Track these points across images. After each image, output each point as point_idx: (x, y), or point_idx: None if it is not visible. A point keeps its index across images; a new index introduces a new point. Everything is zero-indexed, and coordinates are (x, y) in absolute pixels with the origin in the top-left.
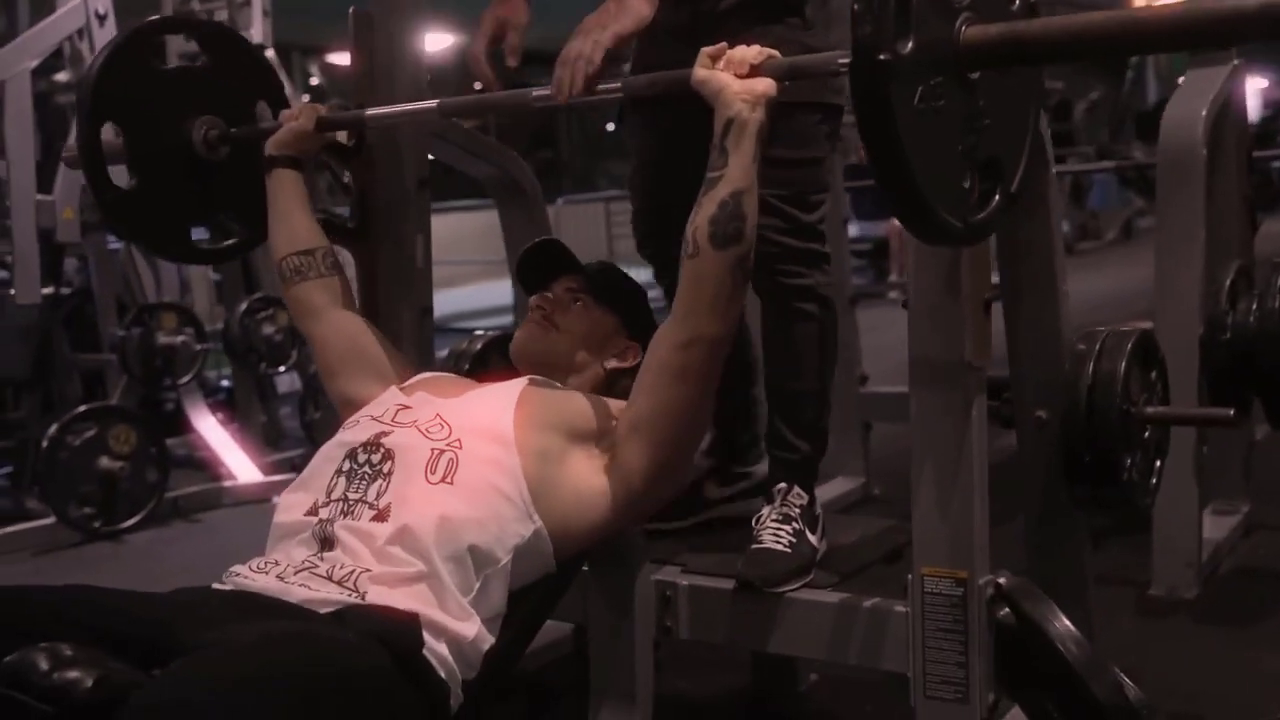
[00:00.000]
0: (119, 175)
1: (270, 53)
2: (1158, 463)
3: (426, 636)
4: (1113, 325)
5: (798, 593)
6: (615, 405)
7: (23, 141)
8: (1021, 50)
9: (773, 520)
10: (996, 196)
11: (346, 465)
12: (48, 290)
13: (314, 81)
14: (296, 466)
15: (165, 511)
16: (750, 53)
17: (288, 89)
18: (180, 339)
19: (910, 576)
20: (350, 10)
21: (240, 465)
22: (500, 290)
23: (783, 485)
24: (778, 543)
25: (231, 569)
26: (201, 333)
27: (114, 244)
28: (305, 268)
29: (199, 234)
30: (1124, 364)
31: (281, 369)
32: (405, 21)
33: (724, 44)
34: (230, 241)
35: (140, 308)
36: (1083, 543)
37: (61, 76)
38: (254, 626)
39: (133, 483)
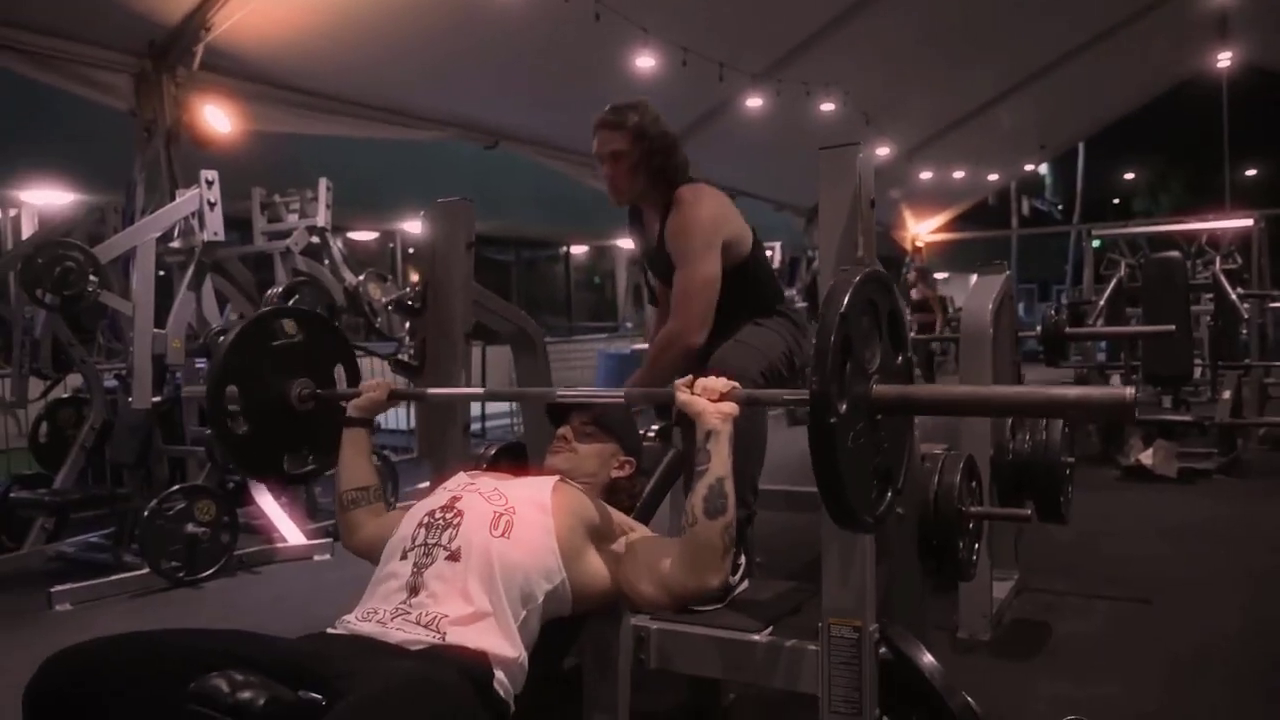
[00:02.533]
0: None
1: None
2: (977, 544)
3: (494, 669)
4: (945, 448)
5: (738, 635)
6: (619, 518)
7: (146, 290)
8: (911, 405)
9: None
10: (889, 494)
11: (426, 520)
12: (155, 398)
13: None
14: (330, 533)
15: (233, 565)
16: (719, 383)
17: (336, 251)
18: None
19: (820, 624)
20: (422, 214)
21: (289, 530)
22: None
23: None
24: None
25: (342, 618)
26: None
27: (200, 364)
28: (360, 499)
29: None
30: (959, 477)
31: None
32: (457, 220)
33: (691, 377)
34: (309, 468)
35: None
36: (926, 600)
37: (175, 244)
38: (372, 664)
39: (210, 543)
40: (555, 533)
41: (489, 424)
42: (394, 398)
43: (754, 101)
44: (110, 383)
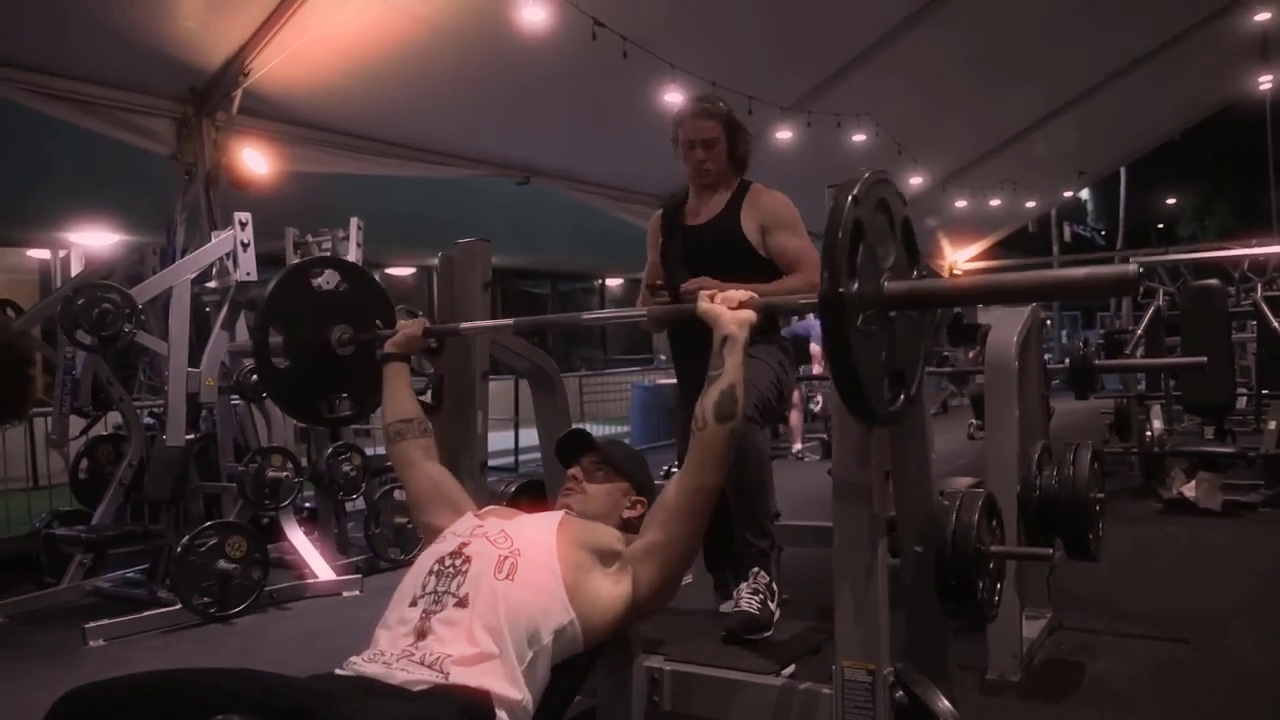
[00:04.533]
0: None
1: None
2: (999, 585)
3: (496, 710)
4: (954, 485)
5: (751, 677)
6: (626, 537)
7: (180, 329)
8: (922, 299)
9: (747, 592)
10: (901, 397)
11: (436, 568)
12: (190, 436)
13: None
14: (360, 569)
15: (264, 601)
16: (738, 294)
17: None
18: (284, 474)
19: (834, 667)
20: (440, 254)
21: (319, 567)
22: (503, 438)
23: (755, 569)
24: (750, 606)
25: (350, 659)
26: (299, 469)
27: (235, 402)
28: (405, 431)
29: None
30: (977, 516)
31: (355, 496)
32: (475, 260)
33: (715, 289)
34: (346, 413)
35: (257, 450)
36: (948, 640)
37: (211, 284)
38: (372, 704)
39: (242, 580)
40: (560, 574)
41: (523, 457)
42: (428, 334)
43: (784, 134)
44: (148, 420)
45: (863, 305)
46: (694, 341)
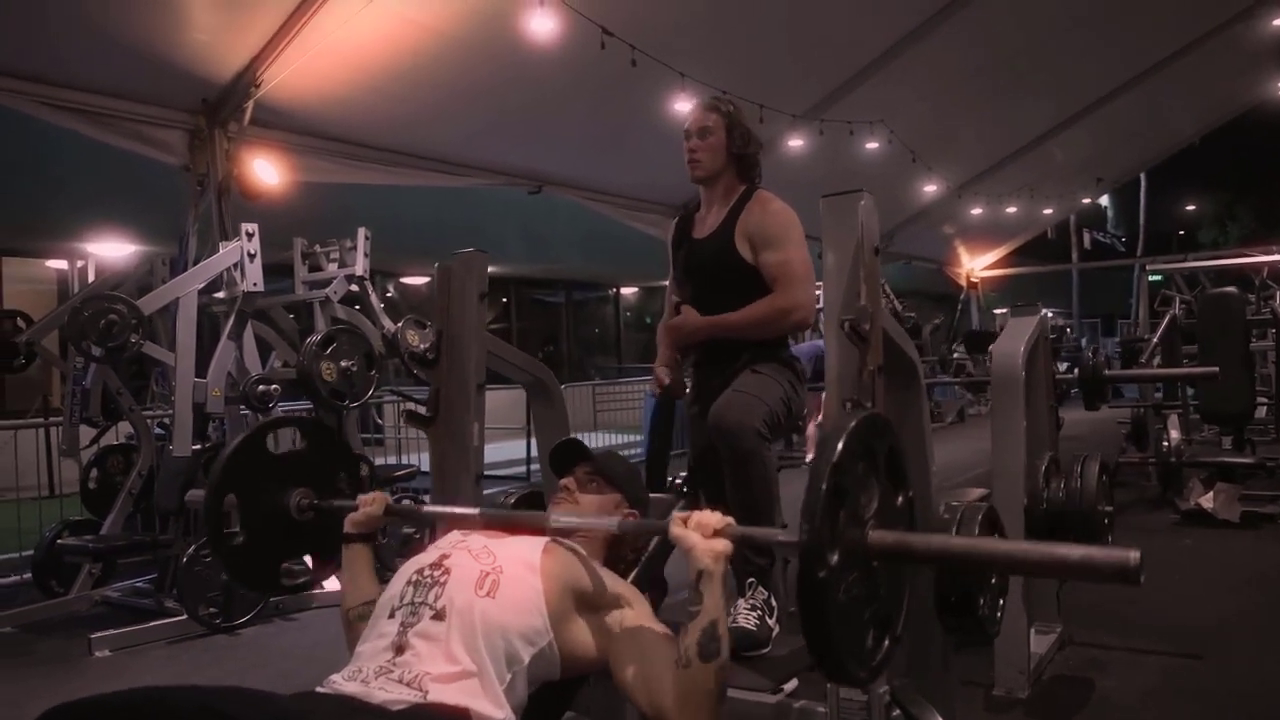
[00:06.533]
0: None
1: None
2: (1001, 599)
3: None
4: (965, 497)
5: (746, 694)
6: (613, 585)
7: (188, 340)
8: (909, 553)
9: (745, 608)
10: (886, 642)
11: (415, 578)
12: (196, 446)
13: (389, 294)
14: None
15: (269, 612)
16: (713, 519)
17: (374, 299)
18: None
19: (829, 685)
20: (436, 265)
21: None
22: (515, 447)
23: (752, 581)
24: (747, 623)
25: (330, 677)
26: None
27: (244, 411)
28: (367, 613)
29: None
30: (977, 530)
31: None
32: (472, 270)
33: (690, 513)
34: (304, 579)
35: None
36: (949, 656)
37: (219, 294)
38: None
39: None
40: (543, 594)
41: (535, 467)
42: (390, 514)
43: (796, 142)
44: (159, 430)
45: (845, 573)
46: (708, 345)
